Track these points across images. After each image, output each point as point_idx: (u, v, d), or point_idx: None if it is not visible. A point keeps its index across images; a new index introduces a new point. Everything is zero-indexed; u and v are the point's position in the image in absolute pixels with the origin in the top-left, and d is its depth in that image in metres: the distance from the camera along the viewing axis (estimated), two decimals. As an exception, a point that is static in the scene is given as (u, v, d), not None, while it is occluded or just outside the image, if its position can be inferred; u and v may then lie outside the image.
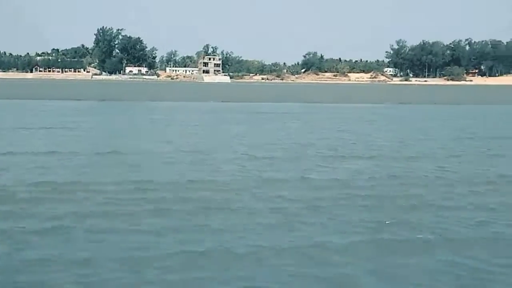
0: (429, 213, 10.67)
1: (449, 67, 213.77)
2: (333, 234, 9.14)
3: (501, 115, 41.88)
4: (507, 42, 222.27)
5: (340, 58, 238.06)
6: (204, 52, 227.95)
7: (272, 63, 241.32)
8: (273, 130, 26.52)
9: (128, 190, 12.14)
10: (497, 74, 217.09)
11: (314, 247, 8.49)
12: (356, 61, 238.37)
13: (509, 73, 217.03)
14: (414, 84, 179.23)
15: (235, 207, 10.79)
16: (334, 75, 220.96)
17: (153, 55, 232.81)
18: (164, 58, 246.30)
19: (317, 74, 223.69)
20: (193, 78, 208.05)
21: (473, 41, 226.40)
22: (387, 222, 9.89)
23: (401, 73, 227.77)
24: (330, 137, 23.41)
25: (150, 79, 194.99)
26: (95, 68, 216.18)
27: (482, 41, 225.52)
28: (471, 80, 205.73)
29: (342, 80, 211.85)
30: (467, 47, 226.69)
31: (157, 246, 8.45)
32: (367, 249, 8.49)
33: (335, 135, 24.54)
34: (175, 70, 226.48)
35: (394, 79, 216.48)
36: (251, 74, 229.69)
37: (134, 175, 13.88)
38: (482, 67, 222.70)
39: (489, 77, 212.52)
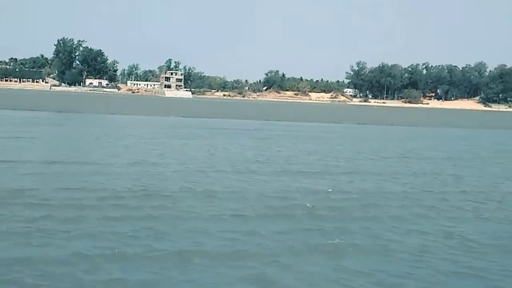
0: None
1: (407, 89, 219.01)
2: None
3: (452, 138, 43.07)
4: (462, 68, 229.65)
5: (301, 77, 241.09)
6: (167, 66, 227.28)
7: (234, 80, 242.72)
8: (219, 145, 26.48)
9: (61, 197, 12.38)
10: (452, 98, 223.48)
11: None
12: (317, 80, 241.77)
13: (464, 97, 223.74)
14: (373, 106, 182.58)
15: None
16: (295, 94, 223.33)
17: (114, 68, 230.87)
18: (125, 72, 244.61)
19: (279, 93, 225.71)
20: (155, 92, 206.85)
21: (430, 65, 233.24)
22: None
23: (361, 94, 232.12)
24: (268, 154, 23.54)
25: (110, 92, 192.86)
26: (54, 79, 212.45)
27: (439, 65, 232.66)
28: (427, 103, 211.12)
29: (303, 99, 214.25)
30: (424, 71, 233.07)
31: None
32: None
33: (274, 152, 24.52)
34: (137, 84, 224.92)
35: (354, 99, 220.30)
36: (213, 90, 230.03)
37: (68, 183, 14.18)
38: (438, 91, 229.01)
39: (445, 101, 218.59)
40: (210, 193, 13.74)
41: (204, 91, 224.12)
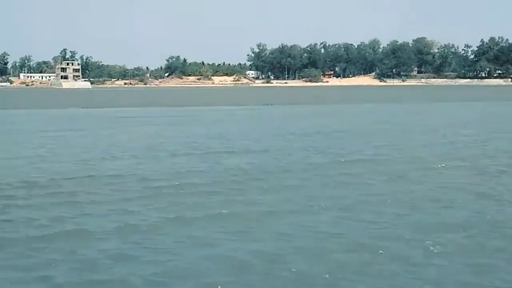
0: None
1: (307, 69, 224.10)
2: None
3: (351, 114, 44.41)
4: (357, 45, 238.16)
5: (203, 62, 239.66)
6: (62, 57, 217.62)
7: (134, 68, 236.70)
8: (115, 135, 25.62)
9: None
10: (350, 75, 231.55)
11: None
12: (219, 64, 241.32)
13: (361, 74, 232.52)
14: (276, 86, 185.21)
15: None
16: (198, 79, 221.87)
17: (5, 61, 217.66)
18: (17, 64, 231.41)
19: (181, 78, 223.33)
20: (51, 84, 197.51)
21: (327, 44, 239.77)
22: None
23: (263, 76, 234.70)
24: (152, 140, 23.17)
25: (2, 86, 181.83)
26: None
27: (336, 44, 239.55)
28: (327, 81, 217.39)
29: (206, 83, 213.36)
30: (323, 50, 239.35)
31: None
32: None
33: (157, 139, 23.99)
34: (30, 76, 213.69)
35: (256, 81, 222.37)
36: (113, 79, 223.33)
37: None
38: (336, 68, 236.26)
39: (343, 78, 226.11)
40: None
41: (104, 81, 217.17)
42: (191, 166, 16.12)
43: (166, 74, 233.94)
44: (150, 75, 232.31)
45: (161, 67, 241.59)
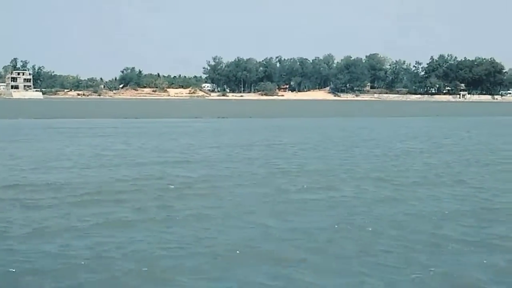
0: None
1: (262, 82, 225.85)
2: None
3: (299, 128, 45.02)
4: (312, 60, 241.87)
5: (158, 74, 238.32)
6: (12, 66, 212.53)
7: (88, 78, 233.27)
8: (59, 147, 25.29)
9: None
10: (305, 89, 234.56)
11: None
12: (175, 76, 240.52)
13: (316, 88, 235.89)
14: (231, 99, 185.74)
15: None
16: (153, 91, 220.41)
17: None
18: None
19: (136, 90, 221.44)
20: (0, 94, 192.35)
21: (283, 58, 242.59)
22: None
23: (219, 89, 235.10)
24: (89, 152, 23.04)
25: None
26: None
27: (291, 58, 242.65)
28: (282, 95, 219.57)
29: (161, 95, 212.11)
30: (278, 64, 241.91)
31: None
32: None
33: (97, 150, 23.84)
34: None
35: (212, 94, 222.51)
36: (65, 90, 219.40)
37: None
38: (292, 82, 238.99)
39: (299, 92, 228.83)
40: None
41: (56, 91, 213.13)
42: (119, 176, 16.24)
43: (121, 86, 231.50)
44: (104, 86, 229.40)
45: (115, 79, 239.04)
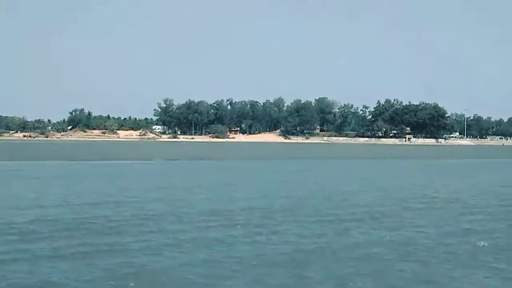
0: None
1: (213, 125, 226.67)
2: None
3: (253, 170, 45.44)
4: (263, 103, 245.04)
5: (108, 115, 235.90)
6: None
7: (35, 120, 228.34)
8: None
9: None
10: (256, 132, 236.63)
11: None
12: (125, 118, 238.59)
13: (266, 131, 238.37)
14: (182, 141, 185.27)
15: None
16: (102, 133, 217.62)
17: None
18: None
19: (85, 132, 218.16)
20: None
21: (234, 101, 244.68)
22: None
23: (169, 131, 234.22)
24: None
25: None
26: None
27: (242, 101, 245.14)
28: (233, 137, 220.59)
29: (111, 137, 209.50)
30: (229, 107, 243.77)
31: None
32: None
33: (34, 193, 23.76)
34: None
35: (163, 136, 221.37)
36: (11, 132, 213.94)
37: None
38: (242, 125, 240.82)
39: (249, 135, 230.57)
40: None
41: (1, 133, 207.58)
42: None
43: (69, 127, 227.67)
44: (52, 128, 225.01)
45: (64, 120, 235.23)
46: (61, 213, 17.46)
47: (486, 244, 13.46)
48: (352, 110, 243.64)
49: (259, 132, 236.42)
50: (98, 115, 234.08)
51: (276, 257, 11.93)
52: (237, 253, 12.21)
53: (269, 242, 13.51)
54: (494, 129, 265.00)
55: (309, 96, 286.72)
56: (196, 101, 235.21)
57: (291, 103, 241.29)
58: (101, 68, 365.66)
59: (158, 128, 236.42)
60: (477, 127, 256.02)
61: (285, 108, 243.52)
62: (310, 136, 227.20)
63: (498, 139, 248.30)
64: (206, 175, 36.81)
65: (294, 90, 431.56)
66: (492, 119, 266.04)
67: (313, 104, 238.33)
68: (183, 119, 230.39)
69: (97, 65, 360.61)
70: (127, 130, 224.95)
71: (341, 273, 10.58)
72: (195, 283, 9.96)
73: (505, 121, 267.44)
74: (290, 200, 21.95)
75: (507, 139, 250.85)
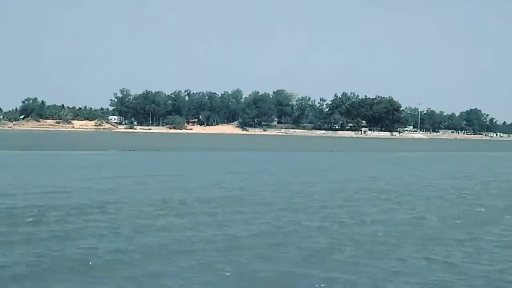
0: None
1: (171, 116, 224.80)
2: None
3: (206, 160, 45.54)
4: (221, 94, 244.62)
5: (63, 105, 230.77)
6: None
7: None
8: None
9: None
10: (213, 123, 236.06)
11: None
12: (80, 108, 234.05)
13: (224, 122, 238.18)
14: (139, 132, 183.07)
15: None
16: (56, 122, 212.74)
17: None
18: None
19: (38, 121, 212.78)
20: None
21: (192, 92, 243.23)
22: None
23: (126, 121, 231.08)
24: None
25: None
26: None
27: (200, 92, 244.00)
28: (191, 129, 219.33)
29: (66, 127, 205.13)
30: (187, 98, 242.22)
31: None
32: None
33: None
34: None
35: (119, 127, 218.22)
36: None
37: None
38: (200, 116, 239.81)
39: (207, 126, 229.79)
40: None
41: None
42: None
43: (22, 117, 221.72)
44: (3, 117, 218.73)
45: (16, 109, 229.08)
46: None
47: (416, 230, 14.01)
48: (310, 102, 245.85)
49: (217, 124, 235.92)
50: (52, 105, 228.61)
51: (211, 242, 12.42)
52: (178, 238, 12.66)
53: (208, 228, 13.97)
54: (446, 123, 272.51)
55: (267, 88, 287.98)
56: (153, 91, 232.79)
57: (249, 95, 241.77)
58: (56, 57, 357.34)
59: (114, 119, 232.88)
60: (430, 121, 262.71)
61: (243, 100, 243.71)
62: (268, 128, 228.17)
63: (450, 133, 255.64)
64: (161, 166, 36.70)
65: (252, 82, 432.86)
66: (444, 114, 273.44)
67: (271, 96, 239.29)
68: (140, 109, 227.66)
69: (52, 53, 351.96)
70: (82, 120, 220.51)
71: (270, 255, 10.95)
72: (130, 266, 10.32)
73: (457, 115, 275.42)
74: (242, 191, 22.20)
75: (458, 133, 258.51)
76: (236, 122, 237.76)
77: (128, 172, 29.82)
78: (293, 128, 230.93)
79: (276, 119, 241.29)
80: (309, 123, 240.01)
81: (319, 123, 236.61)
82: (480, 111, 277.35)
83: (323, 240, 12.87)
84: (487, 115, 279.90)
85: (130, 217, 15.36)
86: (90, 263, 10.44)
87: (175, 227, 14.08)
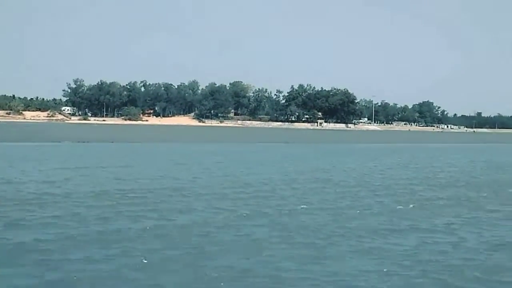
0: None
1: (126, 107, 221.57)
2: None
3: (158, 152, 45.33)
4: (177, 86, 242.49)
5: (13, 95, 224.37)
6: None
7: None
8: None
9: None
10: (170, 115, 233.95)
11: None
12: (32, 98, 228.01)
13: (180, 114, 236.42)
14: (93, 124, 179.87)
15: None
16: (7, 113, 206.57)
17: None
18: None
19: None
20: None
21: (148, 83, 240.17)
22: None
23: (80, 112, 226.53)
24: None
25: None
26: None
27: (156, 83, 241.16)
28: (147, 120, 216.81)
29: (17, 118, 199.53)
30: (143, 89, 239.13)
31: None
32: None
33: None
34: None
35: (73, 118, 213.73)
36: None
37: None
38: (156, 108, 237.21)
39: (163, 117, 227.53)
40: None
41: None
42: None
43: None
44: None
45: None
46: None
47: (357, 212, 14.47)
48: (266, 94, 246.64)
49: (173, 115, 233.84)
50: (1, 95, 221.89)
51: (142, 231, 12.74)
52: (111, 228, 12.97)
53: (145, 217, 14.36)
54: (399, 115, 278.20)
55: (224, 80, 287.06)
56: (108, 82, 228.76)
57: (206, 86, 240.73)
58: (5, 45, 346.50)
59: (68, 110, 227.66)
60: (384, 113, 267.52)
61: (199, 92, 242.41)
62: (225, 119, 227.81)
63: (403, 125, 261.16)
64: (113, 157, 36.32)
65: (209, 74, 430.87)
66: (398, 106, 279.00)
67: (228, 88, 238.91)
68: (95, 100, 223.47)
69: (1, 42, 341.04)
70: (34, 111, 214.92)
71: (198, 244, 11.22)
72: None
73: (409, 107, 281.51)
74: (193, 183, 22.32)
75: (411, 124, 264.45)
76: (192, 114, 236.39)
77: (78, 164, 29.45)
78: (249, 120, 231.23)
79: (232, 110, 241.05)
80: (265, 115, 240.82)
81: (275, 114, 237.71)
82: (432, 103, 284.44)
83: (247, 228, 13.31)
84: (439, 107, 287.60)
85: (70, 207, 15.55)
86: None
87: (111, 215, 14.51)
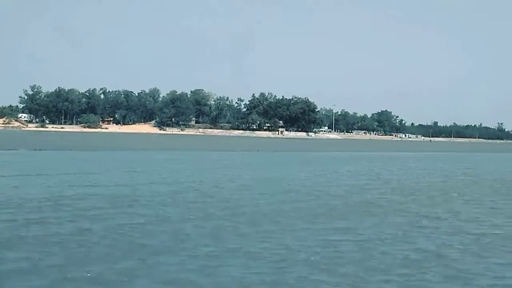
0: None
1: (85, 114, 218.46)
2: None
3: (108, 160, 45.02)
4: (138, 93, 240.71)
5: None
6: None
7: None
8: None
9: None
10: (130, 123, 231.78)
11: None
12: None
13: (141, 121, 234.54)
14: (51, 131, 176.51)
15: None
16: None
17: None
18: None
19: None
20: None
21: (107, 90, 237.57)
22: None
23: (37, 120, 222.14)
24: None
25: None
26: None
27: (116, 90, 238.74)
28: (106, 128, 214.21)
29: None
30: (102, 96, 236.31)
31: None
32: None
33: None
34: None
35: (30, 125, 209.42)
36: None
37: None
38: (116, 115, 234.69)
39: (123, 125, 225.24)
40: None
41: None
42: None
43: None
44: None
45: None
46: None
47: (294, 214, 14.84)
48: (228, 102, 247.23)
49: (134, 123, 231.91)
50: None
51: (93, 232, 12.96)
52: (56, 231, 13.02)
53: (91, 219, 14.61)
54: (359, 124, 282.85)
55: (185, 87, 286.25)
56: (66, 89, 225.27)
57: (167, 94, 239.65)
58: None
59: (24, 117, 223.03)
60: (344, 122, 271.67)
61: (160, 99, 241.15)
62: (186, 128, 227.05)
63: (363, 134, 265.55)
64: (71, 165, 35.88)
65: (170, 81, 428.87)
66: (357, 115, 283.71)
67: (189, 96, 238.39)
68: (52, 107, 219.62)
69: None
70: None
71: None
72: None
73: (369, 116, 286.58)
74: (138, 190, 22.29)
75: (370, 133, 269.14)
76: (153, 122, 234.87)
77: (35, 171, 29.05)
78: (211, 128, 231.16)
79: (194, 118, 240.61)
80: (227, 123, 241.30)
81: (237, 123, 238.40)
82: (390, 112, 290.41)
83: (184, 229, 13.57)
84: (397, 116, 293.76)
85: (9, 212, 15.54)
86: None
87: (53, 220, 14.55)
